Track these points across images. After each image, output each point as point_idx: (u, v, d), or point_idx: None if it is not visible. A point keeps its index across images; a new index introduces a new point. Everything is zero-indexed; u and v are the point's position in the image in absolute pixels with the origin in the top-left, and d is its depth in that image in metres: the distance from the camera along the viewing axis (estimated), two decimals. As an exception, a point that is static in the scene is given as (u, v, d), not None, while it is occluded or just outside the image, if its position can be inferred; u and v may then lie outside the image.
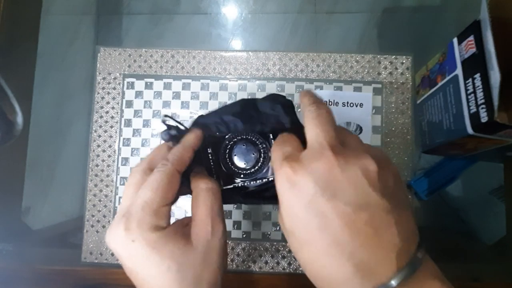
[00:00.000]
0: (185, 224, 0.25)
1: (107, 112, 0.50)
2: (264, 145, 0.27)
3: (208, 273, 0.23)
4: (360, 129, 0.48)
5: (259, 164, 0.27)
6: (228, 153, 0.27)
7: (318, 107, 0.24)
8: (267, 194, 0.27)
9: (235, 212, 0.48)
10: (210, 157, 0.27)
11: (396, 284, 0.19)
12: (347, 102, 0.48)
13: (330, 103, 0.48)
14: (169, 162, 0.24)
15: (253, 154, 0.27)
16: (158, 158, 0.26)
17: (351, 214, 0.20)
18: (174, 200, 0.25)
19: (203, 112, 0.49)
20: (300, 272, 0.46)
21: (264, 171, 0.27)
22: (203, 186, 0.25)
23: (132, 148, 0.49)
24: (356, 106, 0.48)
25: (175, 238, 0.23)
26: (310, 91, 0.26)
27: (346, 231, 0.20)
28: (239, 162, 0.27)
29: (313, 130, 0.22)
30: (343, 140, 0.23)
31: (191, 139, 0.26)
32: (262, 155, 0.27)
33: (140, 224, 0.23)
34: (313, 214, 0.20)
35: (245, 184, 0.27)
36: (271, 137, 0.26)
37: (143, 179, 0.24)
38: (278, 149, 0.24)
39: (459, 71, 0.40)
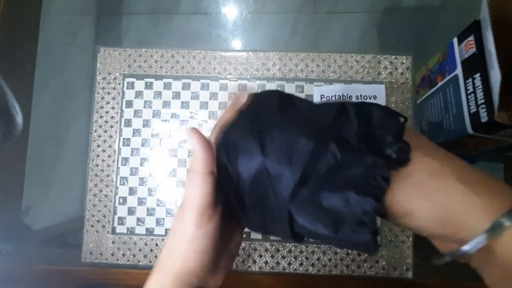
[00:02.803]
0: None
1: (107, 112, 0.50)
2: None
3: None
4: None
5: None
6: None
7: None
8: None
9: (235, 212, 0.48)
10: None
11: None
12: (361, 95, 0.48)
13: (344, 97, 0.48)
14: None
15: None
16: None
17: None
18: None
19: (203, 112, 0.49)
20: (300, 272, 0.46)
21: None
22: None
23: (132, 148, 0.49)
24: (370, 98, 0.48)
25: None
26: None
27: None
28: None
29: None
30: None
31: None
32: None
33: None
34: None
35: None
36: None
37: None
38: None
39: (459, 71, 0.40)
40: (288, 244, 0.46)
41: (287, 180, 0.21)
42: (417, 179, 0.21)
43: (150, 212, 0.48)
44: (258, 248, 0.46)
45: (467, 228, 0.20)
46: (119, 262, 0.47)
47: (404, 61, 0.49)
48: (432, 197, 0.21)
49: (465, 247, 0.21)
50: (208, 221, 0.24)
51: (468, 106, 0.38)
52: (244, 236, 0.47)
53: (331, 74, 0.49)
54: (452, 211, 0.21)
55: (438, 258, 0.24)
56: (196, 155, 0.24)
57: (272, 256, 0.46)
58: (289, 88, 0.49)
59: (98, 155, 0.49)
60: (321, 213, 0.21)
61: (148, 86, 0.50)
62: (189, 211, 0.24)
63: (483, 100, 0.36)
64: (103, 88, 0.50)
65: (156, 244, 0.47)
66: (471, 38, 0.38)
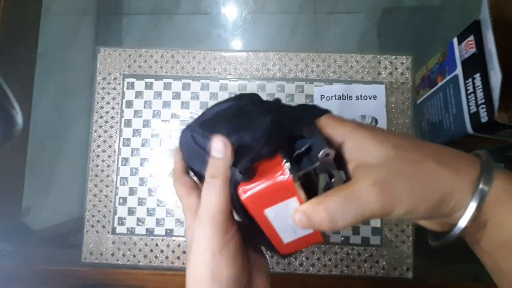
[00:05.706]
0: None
1: (107, 112, 0.50)
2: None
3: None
4: (375, 121, 0.47)
5: None
6: None
7: None
8: None
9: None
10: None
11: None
12: (361, 95, 0.48)
13: (343, 97, 0.48)
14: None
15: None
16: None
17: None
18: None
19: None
20: (300, 272, 0.46)
21: None
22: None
23: (132, 148, 0.49)
24: (370, 98, 0.48)
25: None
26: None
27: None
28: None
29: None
30: None
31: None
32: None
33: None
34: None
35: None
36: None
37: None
38: None
39: (459, 71, 0.40)
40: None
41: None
42: (401, 167, 0.22)
43: (150, 212, 0.48)
44: (258, 248, 0.46)
45: (458, 204, 0.21)
46: (119, 262, 0.47)
47: (404, 61, 0.49)
48: (422, 183, 0.22)
49: (460, 223, 0.21)
50: (233, 225, 0.24)
51: (468, 106, 0.38)
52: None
53: (331, 74, 0.49)
54: (441, 192, 0.21)
55: (435, 240, 0.25)
56: (217, 162, 0.23)
57: (272, 257, 0.46)
58: (289, 88, 0.49)
59: (98, 155, 0.49)
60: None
61: (148, 86, 0.50)
62: (213, 218, 0.23)
63: (483, 100, 0.36)
64: (103, 88, 0.50)
65: (156, 244, 0.47)
66: (471, 38, 0.38)
